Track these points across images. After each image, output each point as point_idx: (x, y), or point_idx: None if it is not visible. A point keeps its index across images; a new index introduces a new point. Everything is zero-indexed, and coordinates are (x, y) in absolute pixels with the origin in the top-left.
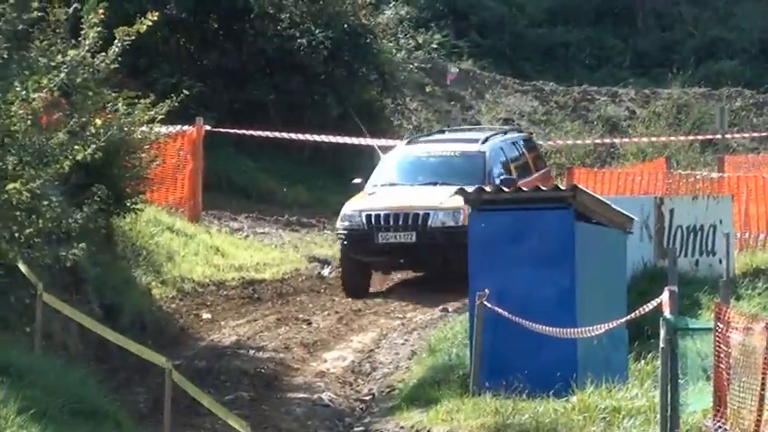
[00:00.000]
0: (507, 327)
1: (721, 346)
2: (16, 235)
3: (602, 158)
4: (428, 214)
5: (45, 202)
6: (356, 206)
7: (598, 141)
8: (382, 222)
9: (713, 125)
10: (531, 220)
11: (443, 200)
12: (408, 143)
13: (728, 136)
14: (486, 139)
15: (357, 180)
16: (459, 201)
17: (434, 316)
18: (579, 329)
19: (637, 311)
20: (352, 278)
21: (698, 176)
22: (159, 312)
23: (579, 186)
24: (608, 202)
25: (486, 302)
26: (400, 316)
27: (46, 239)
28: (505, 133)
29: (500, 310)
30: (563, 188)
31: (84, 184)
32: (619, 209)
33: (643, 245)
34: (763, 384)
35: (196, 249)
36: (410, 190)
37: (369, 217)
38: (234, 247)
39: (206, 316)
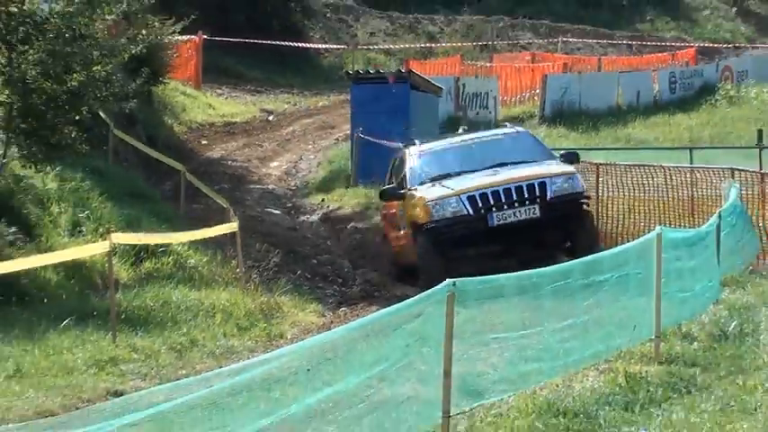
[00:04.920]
0: (371, 147)
1: None
2: (98, 95)
3: (424, 55)
4: (545, 183)
5: (114, 77)
6: (443, 192)
7: (423, 45)
8: (492, 200)
9: (486, 35)
10: (387, 90)
11: (547, 167)
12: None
13: (495, 42)
14: (510, 126)
15: (389, 186)
16: (566, 167)
17: (332, 142)
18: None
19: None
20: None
21: (479, 65)
22: (178, 139)
23: (413, 70)
24: (429, 78)
25: (361, 134)
26: (313, 143)
27: (116, 98)
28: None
29: (369, 138)
30: (403, 71)
31: (136, 68)
32: (435, 83)
33: (448, 103)
34: None
35: (198, 105)
36: (492, 172)
37: (473, 198)
38: (219, 104)
39: (203, 141)
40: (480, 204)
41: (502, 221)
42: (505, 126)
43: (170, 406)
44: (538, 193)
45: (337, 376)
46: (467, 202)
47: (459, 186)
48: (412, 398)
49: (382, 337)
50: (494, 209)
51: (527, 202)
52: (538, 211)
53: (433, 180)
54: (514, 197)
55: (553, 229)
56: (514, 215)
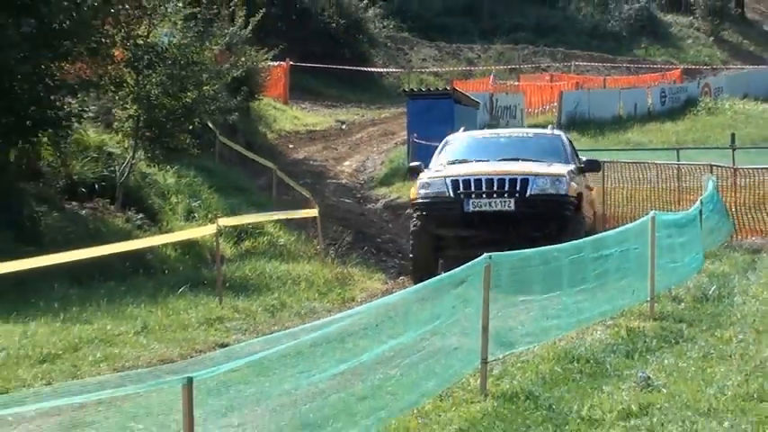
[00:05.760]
0: (424, 149)
1: None
2: (207, 109)
3: (465, 76)
4: (527, 180)
5: (220, 95)
6: (436, 174)
7: (464, 68)
8: (473, 188)
9: (514, 60)
10: (436, 104)
11: (541, 167)
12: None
13: (521, 66)
14: (551, 128)
15: (415, 163)
16: (559, 169)
17: (392, 146)
18: None
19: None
20: (424, 263)
21: (508, 84)
22: (270, 144)
23: (456, 88)
24: (468, 94)
25: (416, 139)
26: (377, 147)
27: (221, 111)
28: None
29: (422, 142)
30: (448, 89)
31: (237, 88)
32: (473, 98)
33: (484, 114)
34: None
35: (286, 117)
36: (493, 163)
37: (456, 182)
38: (303, 116)
39: (291, 146)
40: (461, 189)
41: (477, 209)
42: (548, 128)
43: (265, 354)
44: (518, 188)
45: (398, 331)
46: (450, 185)
47: (452, 171)
48: (457, 348)
49: (434, 299)
50: (472, 195)
51: (505, 195)
52: (512, 205)
53: (447, 164)
54: (494, 188)
55: (530, 225)
56: (489, 205)
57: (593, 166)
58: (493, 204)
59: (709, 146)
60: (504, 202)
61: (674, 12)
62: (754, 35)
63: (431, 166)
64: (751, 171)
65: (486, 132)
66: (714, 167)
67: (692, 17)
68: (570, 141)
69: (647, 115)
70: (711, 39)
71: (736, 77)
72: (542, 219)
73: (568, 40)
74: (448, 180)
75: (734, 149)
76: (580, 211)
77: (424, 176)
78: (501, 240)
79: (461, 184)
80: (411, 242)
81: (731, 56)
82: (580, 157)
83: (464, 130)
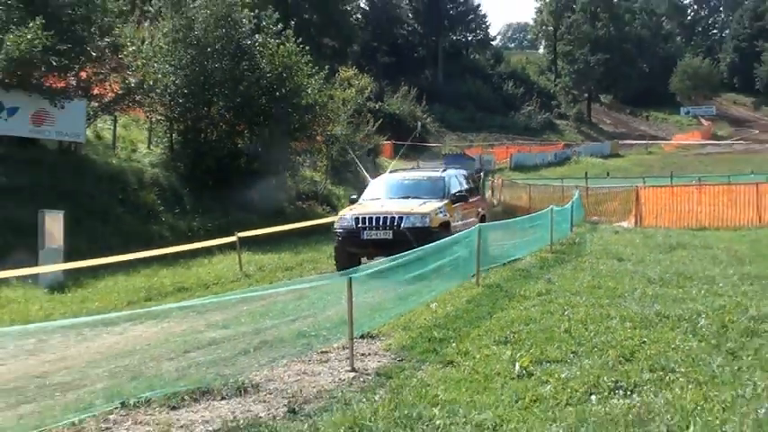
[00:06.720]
0: None
1: None
2: (359, 163)
3: (469, 147)
4: (401, 217)
5: (363, 156)
6: (348, 212)
7: (468, 143)
8: (367, 224)
9: (491, 140)
10: (456, 158)
11: (414, 207)
12: (391, 172)
13: (493, 142)
14: (444, 170)
15: (354, 196)
16: (426, 207)
17: None
18: None
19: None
20: (343, 264)
21: (488, 150)
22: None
23: (465, 152)
24: (470, 155)
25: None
26: None
27: (362, 162)
28: (456, 168)
29: None
30: (461, 152)
31: (369, 152)
32: (472, 156)
33: (477, 163)
34: None
35: (389, 164)
36: (390, 201)
37: (357, 219)
38: (398, 164)
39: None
40: (360, 224)
41: (368, 237)
42: (441, 168)
43: (381, 267)
44: (395, 224)
45: (439, 258)
46: (353, 221)
47: (359, 211)
48: (467, 265)
49: (455, 244)
50: (366, 228)
51: (387, 228)
52: (391, 235)
53: (371, 199)
54: (380, 224)
55: (403, 247)
56: (376, 234)
57: (461, 198)
58: (379, 234)
59: (576, 177)
60: (386, 232)
61: (560, 119)
62: (596, 129)
63: (361, 197)
64: (595, 189)
65: (398, 176)
66: (578, 186)
67: (568, 121)
68: (459, 177)
69: (548, 164)
70: (576, 130)
71: (587, 147)
72: (410, 243)
73: (514, 132)
74: (352, 217)
75: (587, 179)
76: (447, 230)
77: (341, 213)
78: (387, 254)
79: (360, 221)
80: (334, 252)
81: (585, 138)
82: (470, 185)
83: (390, 172)
